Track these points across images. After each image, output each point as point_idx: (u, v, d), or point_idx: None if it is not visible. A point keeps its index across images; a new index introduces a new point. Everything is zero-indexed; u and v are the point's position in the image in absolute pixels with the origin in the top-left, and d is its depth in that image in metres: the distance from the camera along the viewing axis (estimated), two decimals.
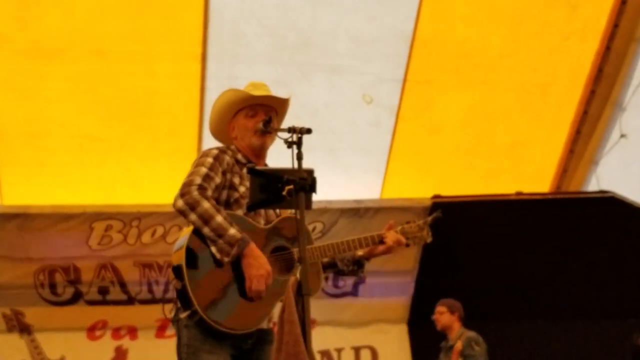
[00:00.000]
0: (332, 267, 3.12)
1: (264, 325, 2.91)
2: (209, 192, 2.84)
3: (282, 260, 2.91)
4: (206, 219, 2.76)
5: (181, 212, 2.81)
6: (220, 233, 2.75)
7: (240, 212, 2.92)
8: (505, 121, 6.58)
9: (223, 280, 2.80)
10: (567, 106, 6.51)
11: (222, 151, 3.01)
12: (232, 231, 2.75)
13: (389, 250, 3.07)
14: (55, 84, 5.83)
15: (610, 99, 6.34)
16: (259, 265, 2.76)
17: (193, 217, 2.77)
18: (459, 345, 5.68)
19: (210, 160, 2.93)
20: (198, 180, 2.84)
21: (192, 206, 2.78)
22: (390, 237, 3.03)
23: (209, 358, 2.77)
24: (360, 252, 3.09)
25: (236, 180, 2.98)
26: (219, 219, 2.76)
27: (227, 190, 2.96)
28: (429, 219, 3.20)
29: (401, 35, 6.05)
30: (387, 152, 6.43)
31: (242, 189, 2.97)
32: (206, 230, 2.76)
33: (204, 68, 5.90)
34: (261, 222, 2.96)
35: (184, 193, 2.81)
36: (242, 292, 2.80)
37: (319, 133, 5.96)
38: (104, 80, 5.87)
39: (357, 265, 3.13)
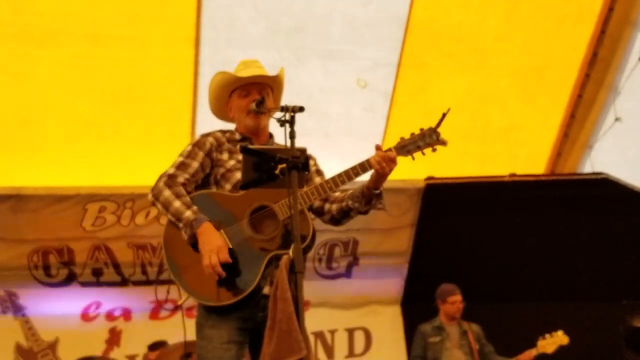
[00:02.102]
0: (349, 211, 3.01)
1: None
2: (181, 179, 2.98)
3: (261, 219, 2.92)
4: (166, 206, 2.92)
5: (151, 203, 3.00)
6: (178, 217, 2.90)
7: (228, 186, 3.01)
8: (500, 105, 6.58)
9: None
10: (561, 90, 6.51)
11: (205, 135, 3.11)
12: (187, 213, 2.87)
13: (381, 172, 2.85)
14: (48, 69, 5.78)
15: (604, 83, 6.34)
16: (209, 241, 2.83)
17: (158, 206, 2.96)
18: (471, 331, 5.71)
19: (189, 148, 3.06)
20: (171, 170, 3.00)
21: (157, 196, 2.96)
22: (373, 159, 2.87)
23: (211, 332, 2.90)
24: (369, 185, 2.93)
25: (224, 156, 3.08)
26: (177, 204, 2.90)
27: (215, 169, 3.06)
28: (437, 123, 2.92)
29: (396, 20, 6.03)
30: (381, 136, 6.42)
31: (230, 162, 3.06)
32: (169, 216, 2.93)
33: (198, 52, 5.88)
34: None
35: (153, 186, 2.99)
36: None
37: (314, 118, 5.97)
38: (97, 65, 5.82)
39: (369, 199, 2.95)
